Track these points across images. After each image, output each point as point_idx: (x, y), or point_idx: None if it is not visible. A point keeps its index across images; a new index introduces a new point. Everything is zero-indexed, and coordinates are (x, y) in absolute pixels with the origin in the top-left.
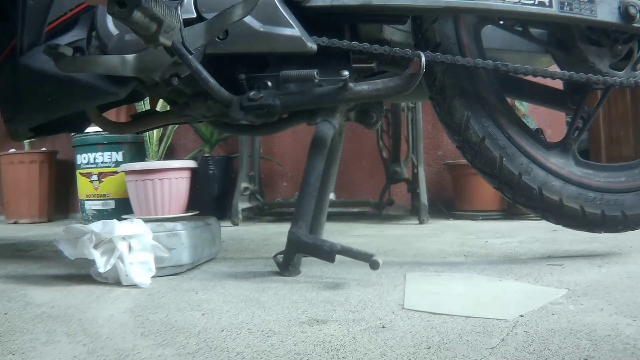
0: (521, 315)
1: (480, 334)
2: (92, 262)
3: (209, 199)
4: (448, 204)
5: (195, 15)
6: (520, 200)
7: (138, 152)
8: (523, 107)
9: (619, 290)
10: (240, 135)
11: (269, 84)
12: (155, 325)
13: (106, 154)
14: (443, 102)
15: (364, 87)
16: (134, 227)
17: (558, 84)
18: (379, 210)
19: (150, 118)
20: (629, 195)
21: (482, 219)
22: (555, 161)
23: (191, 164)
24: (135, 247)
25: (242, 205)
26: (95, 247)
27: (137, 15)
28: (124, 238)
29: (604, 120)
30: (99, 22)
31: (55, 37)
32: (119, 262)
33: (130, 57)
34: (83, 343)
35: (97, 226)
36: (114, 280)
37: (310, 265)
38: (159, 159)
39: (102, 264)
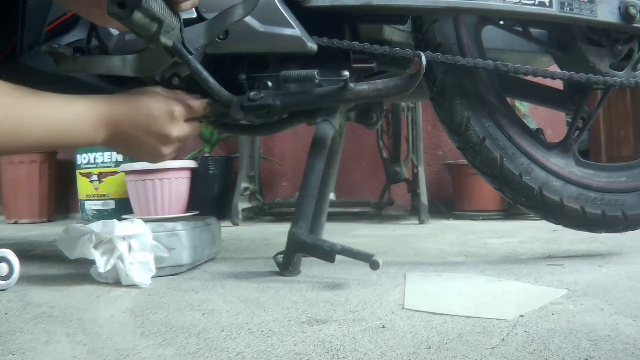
0: (521, 315)
1: (480, 334)
2: (92, 262)
3: (209, 199)
4: (448, 204)
5: (195, 15)
6: (521, 201)
7: None
8: (523, 107)
9: (619, 290)
10: (240, 135)
11: (269, 84)
12: (155, 325)
13: (106, 153)
14: (443, 103)
15: (364, 87)
16: (134, 227)
17: (558, 84)
18: (379, 210)
19: None
20: (629, 195)
21: (482, 219)
22: (556, 161)
23: (191, 164)
24: (135, 247)
25: (242, 205)
26: (95, 247)
27: (138, 16)
28: (124, 238)
29: (604, 120)
30: None
31: (55, 37)
32: (119, 262)
33: (130, 57)
34: (83, 343)
35: (97, 226)
36: (114, 280)
37: (310, 265)
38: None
39: (102, 264)
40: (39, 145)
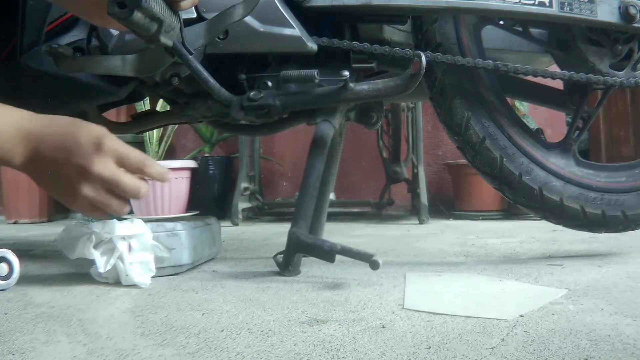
0: (521, 315)
1: (480, 334)
2: (92, 262)
3: (209, 199)
4: (448, 204)
5: (195, 15)
6: (521, 201)
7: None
8: (523, 107)
9: (619, 290)
10: (240, 135)
11: (269, 84)
12: (155, 325)
13: None
14: (443, 103)
15: (364, 87)
16: (134, 227)
17: (558, 84)
18: (379, 210)
19: (151, 118)
20: (629, 195)
21: (482, 219)
22: (556, 161)
23: (191, 164)
24: (135, 247)
25: (242, 205)
26: (95, 247)
27: (138, 15)
28: (124, 238)
29: (604, 120)
30: None
31: (55, 37)
32: (119, 262)
33: (130, 57)
34: (83, 343)
35: (97, 226)
36: (114, 280)
37: (310, 265)
38: (159, 159)
39: (102, 264)
40: None
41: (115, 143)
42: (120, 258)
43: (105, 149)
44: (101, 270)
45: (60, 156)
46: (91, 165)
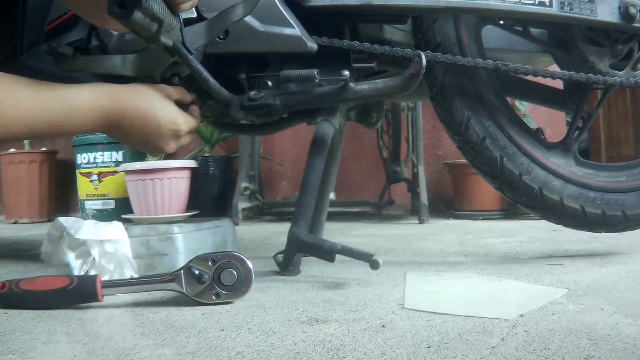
0: (521, 315)
1: (480, 333)
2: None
3: (209, 199)
4: (448, 203)
5: (195, 15)
6: (521, 200)
7: (138, 151)
8: (523, 107)
9: (619, 290)
10: (240, 135)
11: (270, 83)
12: (155, 325)
13: (106, 153)
14: (443, 102)
15: (364, 86)
16: (109, 231)
17: (558, 84)
18: (379, 210)
19: None
20: (629, 194)
21: (482, 219)
22: (556, 161)
23: (191, 163)
24: (109, 252)
25: (242, 205)
26: (71, 248)
27: (138, 15)
28: (97, 242)
29: (604, 120)
30: None
31: (55, 36)
32: (91, 269)
33: (130, 56)
34: (83, 342)
35: (72, 227)
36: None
37: (310, 265)
38: (159, 159)
39: (77, 267)
40: (34, 135)
41: (187, 128)
42: (93, 265)
43: (182, 135)
44: (76, 272)
45: (139, 136)
46: (167, 149)
